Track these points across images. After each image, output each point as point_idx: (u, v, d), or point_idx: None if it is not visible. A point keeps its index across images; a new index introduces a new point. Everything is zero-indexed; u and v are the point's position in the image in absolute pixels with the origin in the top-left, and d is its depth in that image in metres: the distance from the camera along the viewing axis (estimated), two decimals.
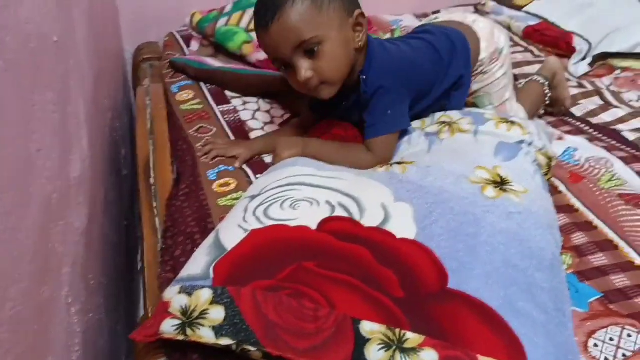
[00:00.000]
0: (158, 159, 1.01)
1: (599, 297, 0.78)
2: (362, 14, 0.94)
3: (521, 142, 0.94)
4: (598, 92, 1.34)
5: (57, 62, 0.80)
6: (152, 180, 0.96)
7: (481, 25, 1.11)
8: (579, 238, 0.90)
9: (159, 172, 0.99)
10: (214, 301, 0.63)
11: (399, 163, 0.92)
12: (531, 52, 1.56)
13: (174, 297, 0.65)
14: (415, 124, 1.04)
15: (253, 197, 0.79)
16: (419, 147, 0.97)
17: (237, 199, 0.90)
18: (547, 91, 1.21)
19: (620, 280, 0.83)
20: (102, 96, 1.16)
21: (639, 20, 1.56)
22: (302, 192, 0.77)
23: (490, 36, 1.10)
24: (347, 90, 0.98)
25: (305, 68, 0.89)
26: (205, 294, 0.64)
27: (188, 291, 0.65)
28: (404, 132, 1.01)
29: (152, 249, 0.87)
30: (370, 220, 0.72)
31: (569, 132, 1.19)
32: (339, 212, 0.73)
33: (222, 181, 0.97)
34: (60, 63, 0.82)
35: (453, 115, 1.02)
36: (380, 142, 0.97)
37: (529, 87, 1.22)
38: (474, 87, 1.11)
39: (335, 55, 0.90)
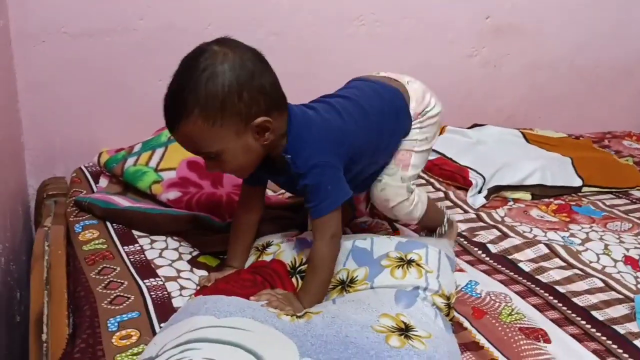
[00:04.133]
0: (53, 312, 0.95)
1: None
2: (266, 120, 0.92)
3: (417, 288, 0.98)
4: (495, 226, 1.43)
5: None
6: (44, 337, 0.89)
7: (415, 87, 1.14)
8: None
9: (53, 327, 0.91)
10: None
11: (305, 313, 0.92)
12: (432, 184, 1.66)
13: None
14: None
15: None
16: (324, 302, 0.98)
17: (137, 354, 0.84)
18: (446, 221, 1.26)
19: None
20: None
21: (524, 156, 1.73)
22: (202, 351, 0.73)
23: (421, 98, 1.13)
24: (276, 168, 1.01)
25: (210, 167, 0.97)
26: None
27: None
28: None
29: None
30: None
31: (470, 262, 1.24)
32: None
33: (123, 332, 0.91)
34: None
35: (350, 266, 1.05)
36: (327, 220, 0.98)
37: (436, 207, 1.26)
38: None
39: (235, 160, 0.94)
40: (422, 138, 1.14)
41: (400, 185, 1.14)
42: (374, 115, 1.07)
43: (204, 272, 1.12)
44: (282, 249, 1.11)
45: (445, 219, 1.26)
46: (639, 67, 2.39)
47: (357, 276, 1.03)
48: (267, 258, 1.11)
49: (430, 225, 1.27)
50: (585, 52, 2.26)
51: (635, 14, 2.29)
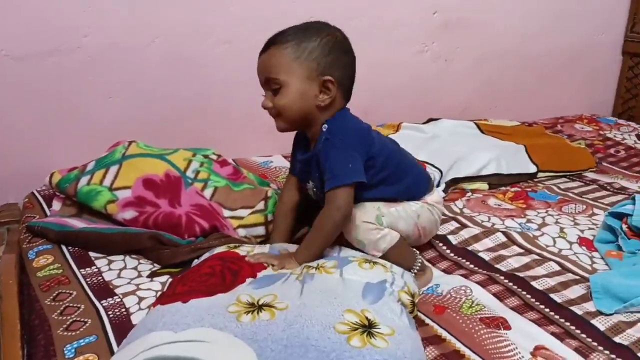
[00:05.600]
0: (5, 345, 0.92)
1: None
2: (331, 81, 1.08)
3: (384, 281, 0.98)
4: (454, 218, 1.44)
5: None
6: None
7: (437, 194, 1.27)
8: None
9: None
10: None
11: (269, 306, 0.91)
12: None
13: None
14: (287, 270, 1.07)
15: None
16: (293, 289, 0.98)
17: None
18: (418, 265, 1.16)
19: None
20: None
21: (479, 147, 1.75)
22: None
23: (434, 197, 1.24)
24: (307, 144, 1.16)
25: (266, 99, 1.10)
26: None
27: None
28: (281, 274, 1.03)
29: None
30: None
31: (431, 259, 1.26)
32: None
33: (80, 358, 0.89)
34: None
35: (318, 260, 1.08)
36: (337, 192, 1.07)
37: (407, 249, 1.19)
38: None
39: (290, 99, 1.07)
40: (420, 209, 1.20)
41: (372, 211, 1.12)
42: (404, 157, 1.24)
43: (164, 279, 1.12)
44: (254, 252, 1.12)
45: (418, 264, 1.16)
46: (586, 53, 2.46)
47: (326, 264, 1.05)
48: (239, 251, 1.11)
49: (397, 264, 1.11)
50: (534, 41, 2.31)
51: (578, 2, 2.36)
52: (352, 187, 1.08)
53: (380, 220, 1.12)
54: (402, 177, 1.18)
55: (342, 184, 1.07)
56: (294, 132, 1.21)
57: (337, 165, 1.07)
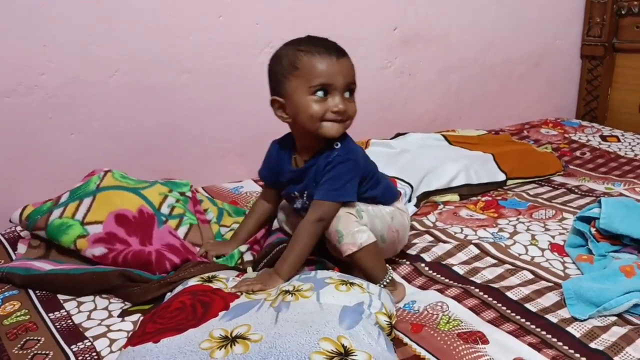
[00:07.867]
0: None
1: None
2: None
3: (361, 303, 0.98)
4: (427, 232, 1.45)
5: None
6: None
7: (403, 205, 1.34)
8: None
9: None
10: None
11: (243, 337, 0.90)
12: None
13: None
14: (261, 295, 1.05)
15: None
16: (267, 318, 0.96)
17: None
18: (389, 279, 1.16)
19: None
20: None
21: (447, 159, 1.77)
22: None
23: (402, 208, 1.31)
24: (303, 152, 1.19)
25: (343, 103, 1.10)
26: None
27: None
28: (254, 302, 1.01)
29: None
30: None
31: (406, 276, 1.25)
32: None
33: None
34: None
35: (294, 282, 1.06)
36: (326, 205, 1.12)
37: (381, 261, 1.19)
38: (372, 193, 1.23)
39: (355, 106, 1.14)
40: (393, 212, 1.27)
41: (353, 205, 1.17)
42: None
43: (135, 317, 1.09)
44: (228, 287, 1.09)
45: (389, 277, 1.16)
46: (546, 59, 2.52)
47: (302, 287, 1.03)
48: (212, 285, 1.09)
49: (368, 272, 1.15)
50: (495, 49, 2.35)
51: (534, 10, 2.42)
52: (340, 204, 1.14)
53: (360, 215, 1.17)
54: (379, 183, 1.25)
55: (334, 200, 1.13)
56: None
57: (338, 180, 1.13)
